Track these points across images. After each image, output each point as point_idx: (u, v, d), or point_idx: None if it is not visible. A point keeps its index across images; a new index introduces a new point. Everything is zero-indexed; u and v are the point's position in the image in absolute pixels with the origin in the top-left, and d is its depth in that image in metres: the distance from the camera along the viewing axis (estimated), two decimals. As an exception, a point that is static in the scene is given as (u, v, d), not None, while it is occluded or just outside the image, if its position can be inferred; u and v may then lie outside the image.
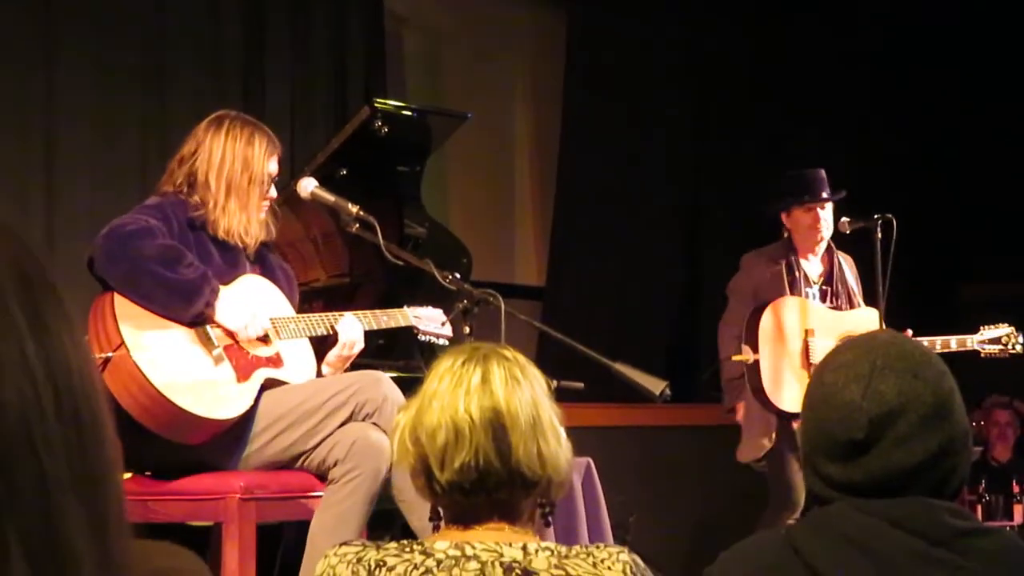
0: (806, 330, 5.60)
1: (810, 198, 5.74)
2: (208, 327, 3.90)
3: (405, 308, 4.33)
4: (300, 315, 4.17)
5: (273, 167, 4.07)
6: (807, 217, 5.77)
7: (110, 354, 3.74)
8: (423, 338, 4.37)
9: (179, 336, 3.85)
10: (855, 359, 1.89)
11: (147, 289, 3.77)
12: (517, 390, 2.17)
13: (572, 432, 2.30)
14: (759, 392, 5.54)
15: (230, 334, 3.95)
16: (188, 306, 3.82)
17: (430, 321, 4.33)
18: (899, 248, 5.43)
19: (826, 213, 5.76)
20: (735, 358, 5.61)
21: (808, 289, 5.79)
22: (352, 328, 4.15)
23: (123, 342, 3.74)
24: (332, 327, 4.13)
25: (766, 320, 5.57)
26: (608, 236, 7.76)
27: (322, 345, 4.22)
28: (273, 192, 4.10)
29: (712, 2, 8.24)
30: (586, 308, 7.39)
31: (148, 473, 3.94)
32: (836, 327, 5.58)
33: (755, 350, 5.55)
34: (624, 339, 6.96)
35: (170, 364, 3.79)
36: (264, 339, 4.01)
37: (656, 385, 3.68)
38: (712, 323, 6.11)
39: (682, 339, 7.92)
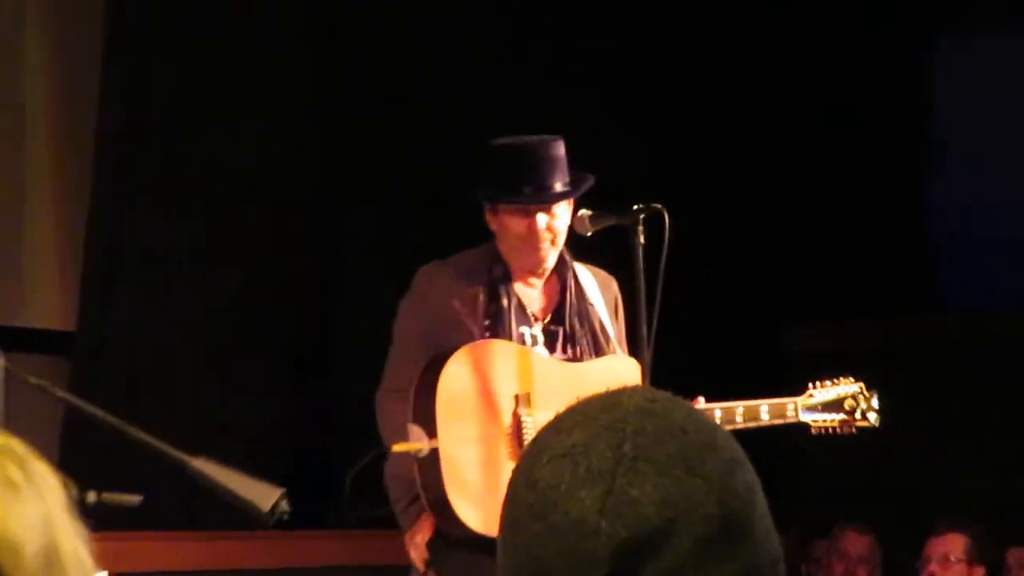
0: (516, 396, 3.90)
1: (519, 197, 3.91)
2: None
3: None
4: None
5: None
6: (518, 223, 3.96)
7: None
8: None
9: None
10: (588, 442, 1.36)
11: None
12: (16, 504, 1.63)
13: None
14: (440, 503, 3.91)
15: None
16: None
17: None
18: (682, 263, 3.85)
19: (559, 219, 3.96)
20: (396, 448, 3.89)
21: (525, 329, 4.02)
22: None
23: None
24: None
25: (449, 382, 3.90)
26: (174, 267, 5.76)
27: None
28: None
29: None
30: (149, 374, 5.65)
31: None
32: (568, 389, 3.79)
33: (430, 433, 3.88)
34: (213, 424, 5.50)
35: None
36: None
37: (266, 496, 2.87)
38: (351, 400, 4.86)
39: (306, 426, 6.00)
